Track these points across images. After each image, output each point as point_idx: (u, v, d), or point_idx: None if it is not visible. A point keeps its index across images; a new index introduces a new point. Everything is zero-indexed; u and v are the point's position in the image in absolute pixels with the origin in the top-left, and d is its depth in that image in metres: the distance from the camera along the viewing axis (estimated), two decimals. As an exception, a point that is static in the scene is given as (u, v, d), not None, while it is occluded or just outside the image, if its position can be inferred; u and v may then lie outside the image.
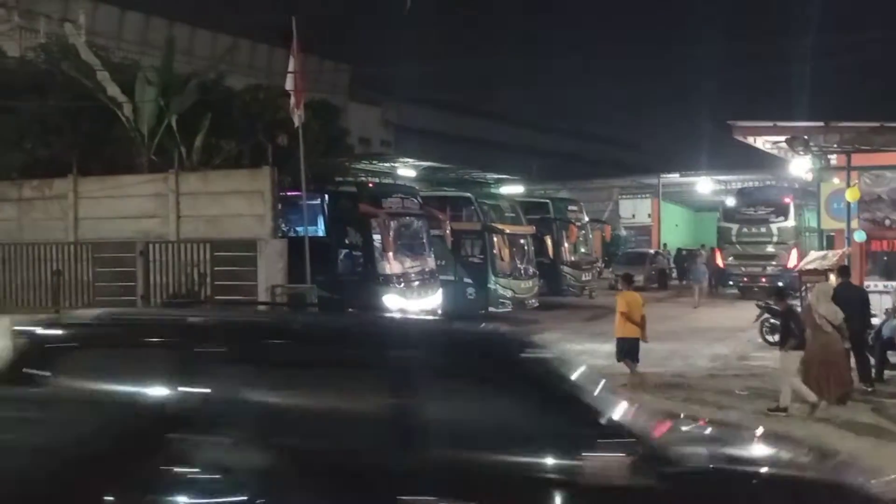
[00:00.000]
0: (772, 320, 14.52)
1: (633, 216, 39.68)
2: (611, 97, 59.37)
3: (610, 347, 16.41)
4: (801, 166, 18.20)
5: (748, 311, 16.94)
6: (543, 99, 53.90)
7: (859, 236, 14.57)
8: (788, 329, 10.77)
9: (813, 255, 14.86)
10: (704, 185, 37.00)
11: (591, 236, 28.47)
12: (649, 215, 39.30)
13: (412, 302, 17.45)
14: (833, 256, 13.91)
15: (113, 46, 24.67)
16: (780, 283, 15.77)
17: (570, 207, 27.16)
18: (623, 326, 12.39)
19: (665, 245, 36.12)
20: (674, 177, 38.24)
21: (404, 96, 46.05)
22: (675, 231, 40.02)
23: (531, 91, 54.93)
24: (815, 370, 10.75)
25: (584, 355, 14.75)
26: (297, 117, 14.31)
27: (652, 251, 34.51)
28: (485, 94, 52.32)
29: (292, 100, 14.27)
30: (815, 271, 13.41)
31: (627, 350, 12.41)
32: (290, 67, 14.56)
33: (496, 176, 37.97)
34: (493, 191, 33.87)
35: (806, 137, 14.49)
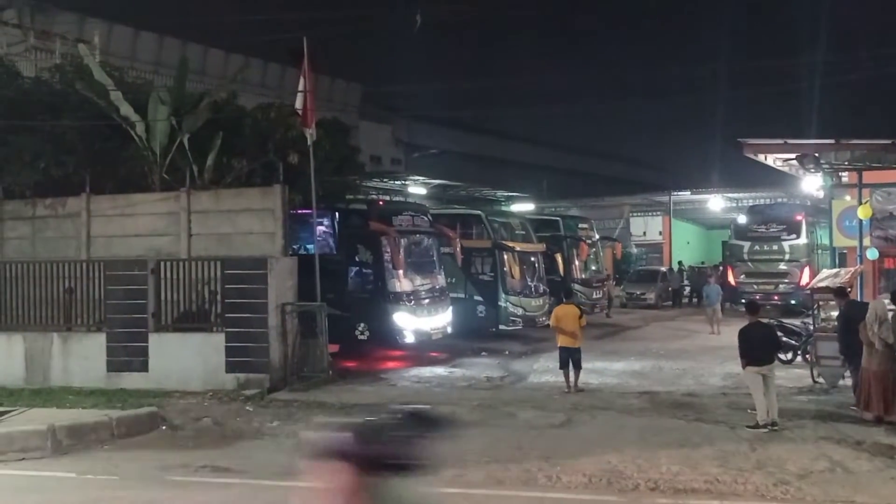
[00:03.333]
0: (784, 338, 14.40)
1: (644, 234, 39.56)
2: (622, 115, 59.42)
3: (621, 366, 16.48)
4: (812, 184, 18.16)
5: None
6: (554, 116, 53.97)
7: (872, 254, 14.48)
8: (740, 347, 10.96)
9: (825, 272, 14.76)
10: (716, 202, 36.89)
11: (602, 254, 28.37)
12: (660, 233, 39.19)
13: (423, 320, 17.44)
14: (846, 274, 13.81)
15: (127, 66, 24.95)
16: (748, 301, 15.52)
17: (580, 225, 27.08)
18: (558, 337, 13.80)
19: (681, 262, 35.91)
20: (685, 194, 38.14)
21: (415, 114, 46.24)
22: (686, 248, 39.85)
23: (542, 108, 54.99)
24: (868, 386, 10.92)
25: (593, 374, 14.74)
26: (309, 135, 14.38)
27: (664, 269, 34.31)
28: (495, 111, 52.44)
29: (304, 117, 14.35)
30: (827, 289, 13.32)
31: (566, 359, 13.58)
32: (301, 86, 14.66)
33: (506, 193, 38.05)
34: (503, 208, 33.92)
35: (816, 155, 14.44)
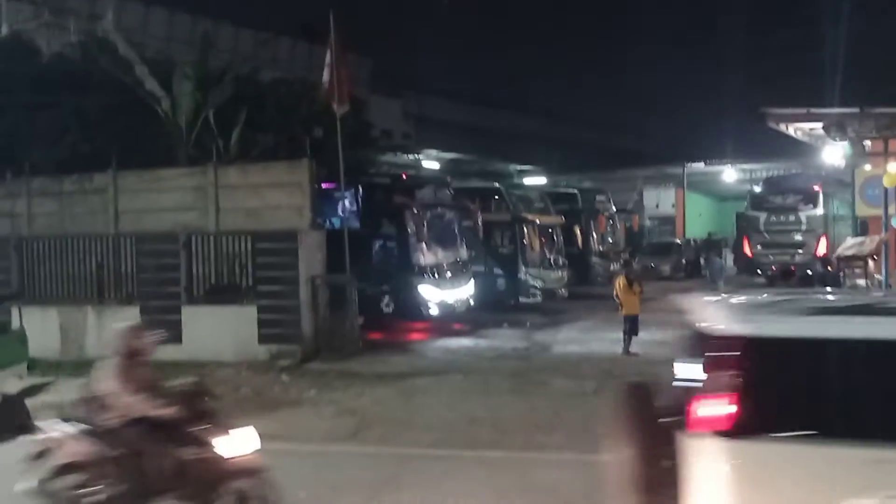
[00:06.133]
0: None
1: (657, 206, 39.52)
2: (634, 86, 58.98)
3: (644, 336, 16.58)
4: (834, 153, 18.14)
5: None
6: (565, 88, 53.68)
7: (897, 222, 14.53)
8: None
9: (850, 241, 14.87)
10: (729, 174, 36.79)
11: (619, 226, 28.45)
12: (673, 205, 39.15)
13: (446, 292, 17.60)
14: (871, 243, 13.90)
15: (139, 42, 24.92)
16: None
17: (598, 198, 27.14)
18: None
19: (710, 233, 35.83)
20: (698, 166, 38.00)
21: (425, 88, 46.02)
22: (698, 220, 39.85)
23: (552, 81, 54.72)
24: None
25: (617, 344, 14.89)
26: (339, 110, 14.42)
27: (678, 241, 34.32)
28: (504, 84, 52.21)
29: (330, 91, 14.37)
30: (854, 257, 13.43)
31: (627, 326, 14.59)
32: (328, 60, 14.69)
33: (519, 167, 37.99)
34: (515, 181, 33.92)
35: (843, 123, 14.47)
